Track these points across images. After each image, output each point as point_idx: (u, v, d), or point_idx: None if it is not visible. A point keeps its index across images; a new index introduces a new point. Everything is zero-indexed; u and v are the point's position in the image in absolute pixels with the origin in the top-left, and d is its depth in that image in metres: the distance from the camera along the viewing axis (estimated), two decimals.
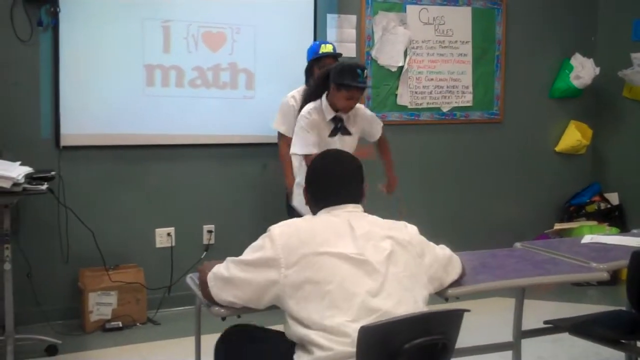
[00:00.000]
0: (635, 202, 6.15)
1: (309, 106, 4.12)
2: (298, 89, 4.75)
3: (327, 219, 2.31)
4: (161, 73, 4.84)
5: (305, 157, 4.03)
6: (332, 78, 4.00)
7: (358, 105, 4.19)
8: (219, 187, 5.11)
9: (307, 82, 4.73)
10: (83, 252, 4.65)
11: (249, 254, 2.26)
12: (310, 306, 2.13)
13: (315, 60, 4.68)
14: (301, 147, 4.05)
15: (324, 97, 4.09)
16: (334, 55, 4.71)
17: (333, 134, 4.12)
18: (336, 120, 4.11)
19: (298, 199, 4.34)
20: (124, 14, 4.72)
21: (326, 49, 4.69)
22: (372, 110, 5.41)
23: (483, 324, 4.49)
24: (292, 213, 4.45)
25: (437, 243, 2.59)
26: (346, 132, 4.16)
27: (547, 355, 4.13)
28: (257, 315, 2.36)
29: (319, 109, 4.09)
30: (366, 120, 4.29)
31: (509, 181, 6.17)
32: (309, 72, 4.73)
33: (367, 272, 2.18)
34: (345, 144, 4.09)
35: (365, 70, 4.01)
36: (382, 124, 4.40)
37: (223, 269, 2.29)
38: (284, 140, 4.69)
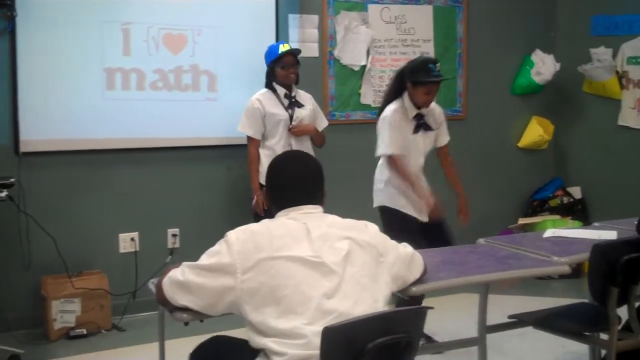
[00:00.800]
0: (597, 195, 6.24)
1: (391, 107, 4.17)
2: (261, 92, 4.76)
3: (284, 222, 2.29)
4: (122, 76, 4.79)
5: (390, 157, 4.11)
6: (407, 77, 4.10)
7: (436, 106, 4.30)
8: (183, 190, 5.08)
9: (268, 85, 4.76)
10: (45, 259, 4.59)
11: (205, 259, 2.23)
12: (267, 311, 2.12)
13: (276, 61, 4.70)
14: (386, 147, 4.11)
15: (405, 96, 4.15)
16: (294, 53, 4.73)
17: (416, 130, 4.19)
18: (418, 117, 4.19)
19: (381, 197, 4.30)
20: (83, 17, 4.67)
21: (284, 47, 4.72)
22: (335, 109, 5.45)
23: (449, 320, 4.53)
24: (258, 217, 4.48)
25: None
26: (428, 128, 4.24)
27: (514, 349, 4.16)
28: (218, 319, 2.34)
29: (402, 108, 4.15)
30: (439, 119, 4.34)
31: (472, 177, 6.17)
32: (270, 74, 4.75)
33: (323, 274, 2.17)
34: (428, 139, 4.25)
35: (438, 63, 4.12)
36: (448, 138, 4.42)
37: (179, 274, 2.26)
38: (253, 143, 4.72)
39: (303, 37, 5.42)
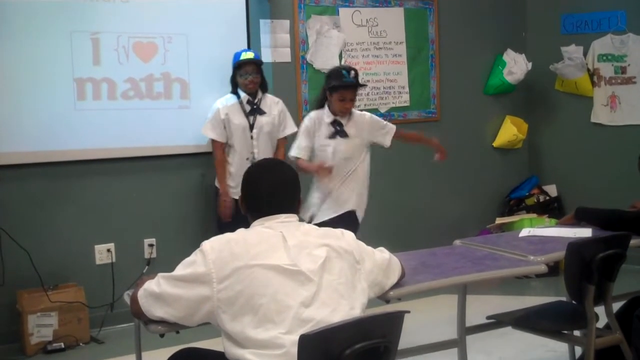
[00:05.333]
0: (572, 192, 6.28)
1: (310, 114, 4.43)
2: (226, 97, 4.80)
3: (260, 230, 2.28)
4: (92, 86, 4.75)
5: (296, 159, 4.34)
6: (325, 84, 4.31)
7: (363, 113, 4.44)
8: (158, 199, 5.04)
9: (233, 91, 4.79)
10: (20, 273, 4.53)
11: (181, 269, 2.22)
12: (245, 320, 2.10)
13: (237, 68, 4.72)
14: (293, 149, 4.40)
15: (327, 103, 4.33)
16: (256, 62, 4.73)
17: (332, 137, 4.31)
18: (335, 123, 4.30)
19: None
20: (52, 27, 4.62)
21: (246, 55, 4.73)
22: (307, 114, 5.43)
23: (428, 323, 4.53)
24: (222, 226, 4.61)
25: (378, 244, 2.58)
26: (344, 135, 4.32)
27: (495, 349, 4.17)
28: (194, 330, 2.32)
29: (320, 114, 4.35)
30: (366, 126, 4.41)
31: (449, 179, 6.22)
32: (233, 80, 4.79)
33: (300, 283, 2.16)
34: (340, 146, 4.32)
35: (352, 71, 4.25)
36: (393, 129, 4.49)
37: (154, 285, 2.24)
38: (216, 145, 4.80)
39: (275, 42, 5.40)
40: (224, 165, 4.79)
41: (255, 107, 4.78)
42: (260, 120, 4.78)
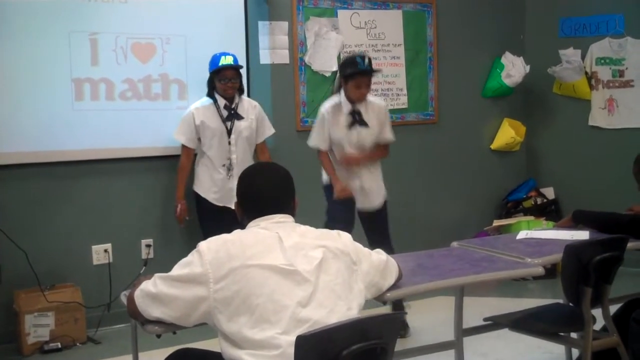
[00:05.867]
0: (569, 195, 6.29)
1: (326, 103, 4.46)
2: (202, 101, 4.77)
3: (256, 231, 2.29)
4: (90, 87, 4.75)
5: (319, 152, 4.47)
6: (340, 73, 4.38)
7: (379, 102, 4.52)
8: (156, 200, 5.04)
9: (209, 93, 4.76)
10: (17, 273, 4.53)
11: (178, 270, 2.22)
12: (241, 320, 2.10)
13: (215, 73, 4.68)
14: (312, 140, 4.49)
15: (342, 92, 4.37)
16: (235, 67, 4.71)
17: (351, 126, 4.35)
18: (354, 113, 4.35)
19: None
20: (50, 27, 4.62)
21: (226, 60, 4.67)
22: (307, 116, 5.45)
23: (425, 324, 4.54)
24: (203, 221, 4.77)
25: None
26: (363, 124, 4.37)
27: (492, 351, 4.17)
28: (191, 331, 2.32)
29: (337, 104, 4.38)
30: (381, 118, 4.46)
31: (446, 181, 6.23)
32: (210, 83, 4.75)
33: (296, 283, 2.16)
34: (361, 136, 4.38)
35: (366, 57, 4.29)
36: (392, 137, 4.55)
37: (151, 286, 2.24)
38: (184, 150, 4.82)
39: (273, 43, 5.40)
40: (186, 172, 4.80)
41: (233, 112, 4.74)
42: (239, 125, 4.74)
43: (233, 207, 4.56)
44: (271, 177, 2.41)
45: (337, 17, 5.65)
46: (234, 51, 4.86)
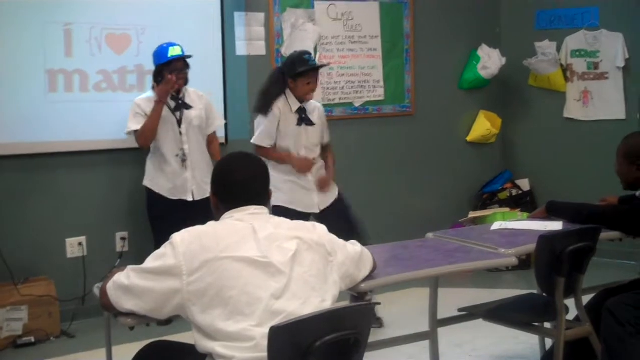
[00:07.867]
0: (544, 187, 6.33)
1: (277, 102, 4.33)
2: (147, 94, 4.69)
3: (230, 223, 2.28)
4: (64, 78, 4.70)
5: (258, 148, 4.33)
6: (287, 73, 4.30)
7: (315, 102, 4.53)
8: (131, 192, 4.99)
9: (154, 87, 4.66)
10: None
11: (151, 262, 2.20)
12: (215, 313, 2.10)
13: (165, 65, 4.60)
14: (257, 138, 4.37)
15: (287, 92, 4.33)
16: (184, 58, 4.67)
17: (299, 123, 4.35)
18: (300, 111, 4.35)
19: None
20: (24, 17, 4.57)
21: (175, 51, 4.62)
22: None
23: (400, 315, 4.55)
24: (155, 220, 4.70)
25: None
26: (310, 123, 4.38)
27: (466, 342, 4.19)
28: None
29: (285, 102, 4.34)
30: (322, 118, 4.52)
31: (422, 173, 6.24)
32: (158, 75, 4.64)
33: (270, 274, 2.15)
34: (309, 134, 4.39)
35: (311, 54, 4.39)
36: (329, 139, 4.59)
37: (123, 278, 2.22)
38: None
39: (249, 35, 5.38)
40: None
41: (180, 102, 4.68)
42: (189, 114, 4.68)
43: (189, 199, 4.62)
44: (248, 167, 2.40)
45: (314, 8, 5.64)
46: (211, 42, 4.84)
